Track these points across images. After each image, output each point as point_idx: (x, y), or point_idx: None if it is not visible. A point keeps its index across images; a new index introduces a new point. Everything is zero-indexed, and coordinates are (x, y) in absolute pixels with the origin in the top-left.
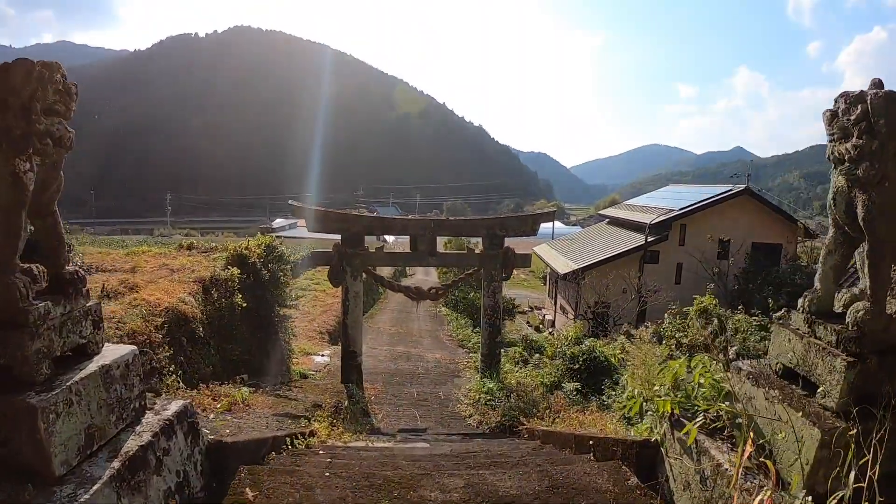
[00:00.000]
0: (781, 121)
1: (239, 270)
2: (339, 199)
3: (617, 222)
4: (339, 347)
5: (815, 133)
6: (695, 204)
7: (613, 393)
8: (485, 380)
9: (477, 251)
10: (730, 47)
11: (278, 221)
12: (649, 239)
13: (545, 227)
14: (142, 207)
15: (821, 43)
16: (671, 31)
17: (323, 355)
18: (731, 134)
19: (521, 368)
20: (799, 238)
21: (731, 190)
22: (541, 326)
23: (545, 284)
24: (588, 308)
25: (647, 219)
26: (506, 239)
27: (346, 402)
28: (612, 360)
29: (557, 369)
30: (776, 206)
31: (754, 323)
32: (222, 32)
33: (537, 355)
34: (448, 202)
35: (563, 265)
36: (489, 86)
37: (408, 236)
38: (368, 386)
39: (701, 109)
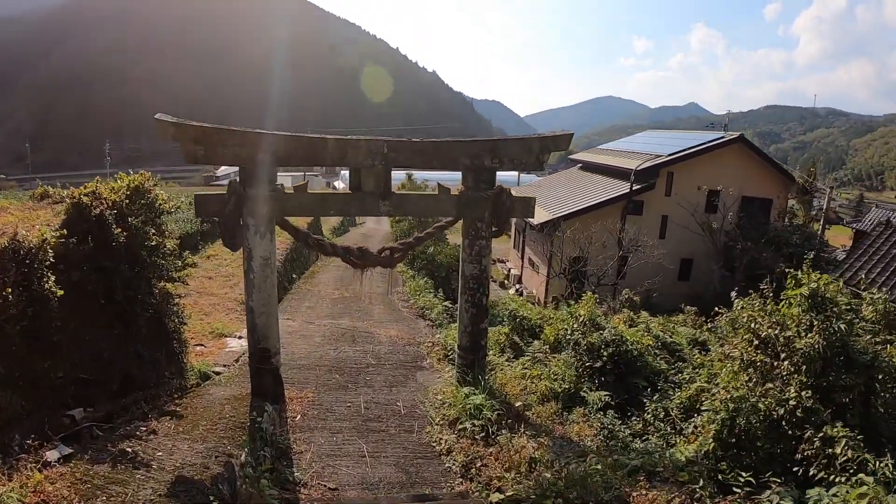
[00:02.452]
0: (736, 80)
1: (64, 232)
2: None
3: (592, 167)
4: None
5: (768, 93)
6: (687, 149)
7: (658, 409)
8: (466, 388)
9: (454, 192)
10: (688, 3)
11: (223, 169)
12: (635, 187)
13: (505, 175)
14: (82, 160)
15: (780, 4)
16: None
17: (241, 336)
18: (685, 90)
19: (509, 360)
20: (791, 194)
21: (723, 137)
22: (506, 282)
23: (509, 235)
24: (565, 265)
25: (632, 164)
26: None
27: (244, 453)
28: (641, 348)
29: (570, 367)
30: (770, 157)
31: None
32: None
33: (536, 342)
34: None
35: (536, 214)
36: (444, 31)
37: (346, 169)
38: (295, 394)
39: (656, 63)
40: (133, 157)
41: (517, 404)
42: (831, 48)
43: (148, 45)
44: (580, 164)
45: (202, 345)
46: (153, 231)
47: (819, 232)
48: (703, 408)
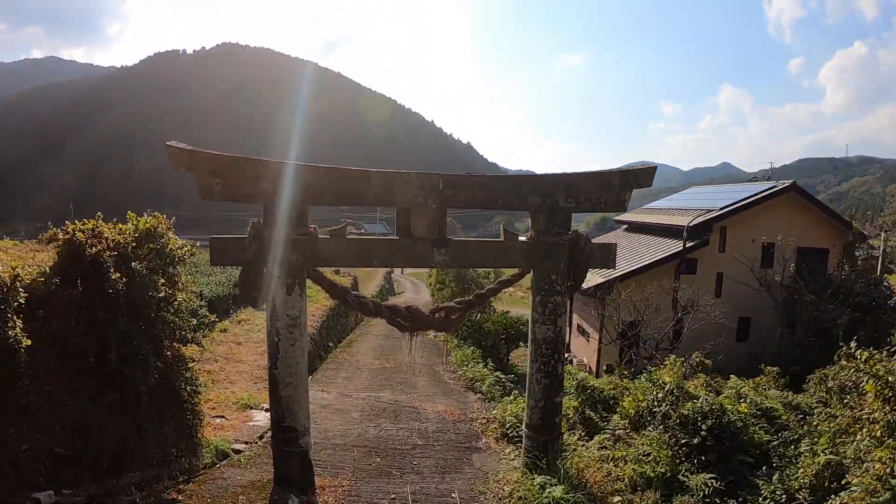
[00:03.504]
0: (765, 136)
1: (46, 270)
2: (321, 215)
3: (639, 228)
4: None
5: (798, 147)
6: (739, 202)
7: (778, 491)
8: (540, 477)
9: (523, 238)
10: (713, 66)
11: None
12: (688, 244)
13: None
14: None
15: (802, 59)
16: (653, 51)
17: (268, 409)
18: (716, 150)
19: (582, 439)
20: (847, 242)
21: (774, 186)
22: None
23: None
24: (621, 329)
25: (683, 221)
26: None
27: None
28: (743, 419)
29: (663, 447)
30: (825, 205)
31: None
32: (210, 49)
33: (614, 417)
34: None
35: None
36: (478, 105)
37: (394, 211)
38: (328, 482)
39: (686, 126)
40: (175, 224)
41: (615, 501)
42: (857, 96)
43: (192, 113)
44: (625, 226)
45: (223, 417)
46: (162, 281)
47: (880, 278)
48: (850, 485)
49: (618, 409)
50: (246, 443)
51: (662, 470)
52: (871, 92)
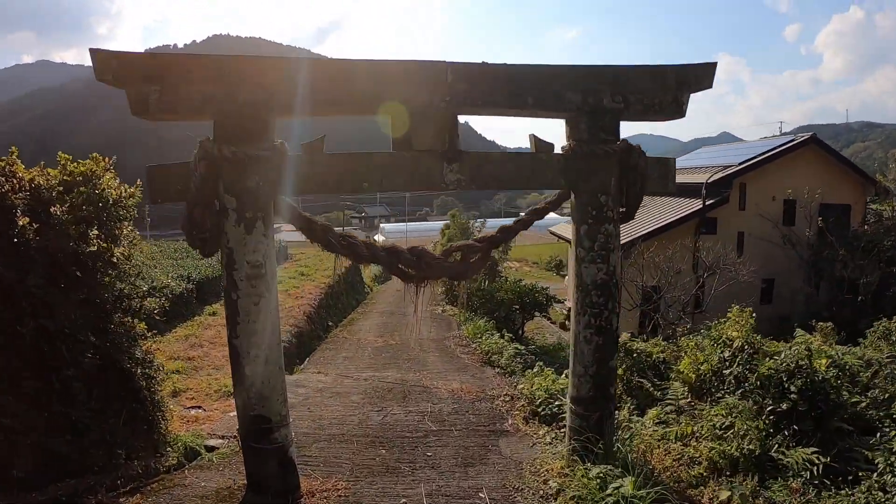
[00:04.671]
0: (764, 104)
1: None
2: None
3: None
4: (288, 377)
5: (798, 114)
6: (758, 156)
7: None
8: (598, 467)
9: (559, 150)
10: (709, 35)
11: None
12: (707, 202)
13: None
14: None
15: (798, 25)
16: (648, 23)
17: None
18: (715, 120)
19: (632, 414)
20: (869, 198)
21: (793, 140)
22: (566, 323)
23: (557, 273)
24: (641, 293)
25: (702, 178)
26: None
27: None
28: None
29: (746, 417)
30: (846, 159)
31: None
32: (201, 42)
33: (674, 384)
34: (438, 199)
35: None
36: None
37: (388, 119)
38: (319, 484)
39: None
40: (174, 217)
41: (701, 493)
42: (856, 61)
43: None
44: None
45: (200, 407)
46: (95, 233)
47: None
48: None
49: (671, 375)
50: (222, 437)
51: (752, 447)
52: (870, 56)
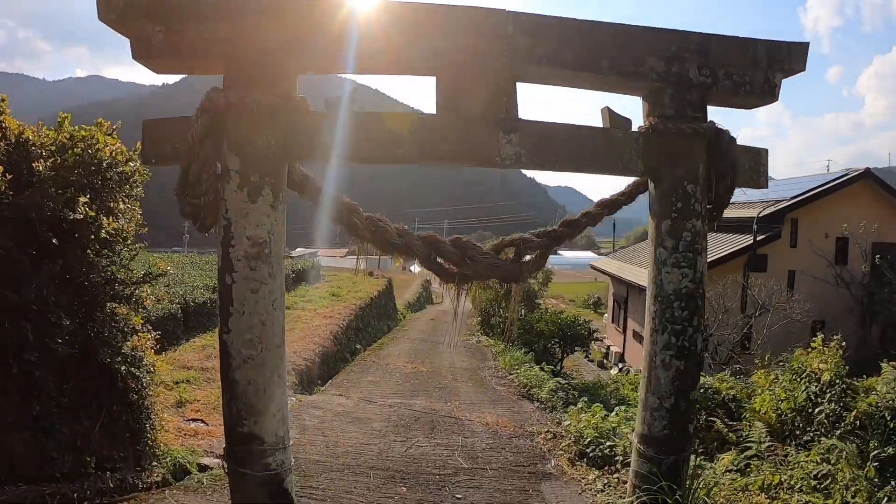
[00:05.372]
0: (805, 148)
1: None
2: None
3: None
4: (307, 398)
5: (839, 157)
6: (811, 190)
7: None
8: None
9: (637, 128)
10: None
11: (298, 250)
12: (758, 237)
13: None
14: (166, 238)
15: (840, 68)
16: None
17: None
18: None
19: (705, 459)
20: None
21: (846, 174)
22: (605, 362)
23: (595, 311)
24: None
25: (751, 213)
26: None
27: None
28: None
29: (850, 463)
30: None
31: None
32: None
33: (757, 426)
34: (476, 232)
35: (643, 276)
36: None
37: (433, 77)
38: None
39: None
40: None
41: None
42: None
43: None
44: None
45: (202, 421)
46: (85, 199)
47: None
48: None
49: (745, 415)
50: (219, 457)
51: (858, 500)
52: None
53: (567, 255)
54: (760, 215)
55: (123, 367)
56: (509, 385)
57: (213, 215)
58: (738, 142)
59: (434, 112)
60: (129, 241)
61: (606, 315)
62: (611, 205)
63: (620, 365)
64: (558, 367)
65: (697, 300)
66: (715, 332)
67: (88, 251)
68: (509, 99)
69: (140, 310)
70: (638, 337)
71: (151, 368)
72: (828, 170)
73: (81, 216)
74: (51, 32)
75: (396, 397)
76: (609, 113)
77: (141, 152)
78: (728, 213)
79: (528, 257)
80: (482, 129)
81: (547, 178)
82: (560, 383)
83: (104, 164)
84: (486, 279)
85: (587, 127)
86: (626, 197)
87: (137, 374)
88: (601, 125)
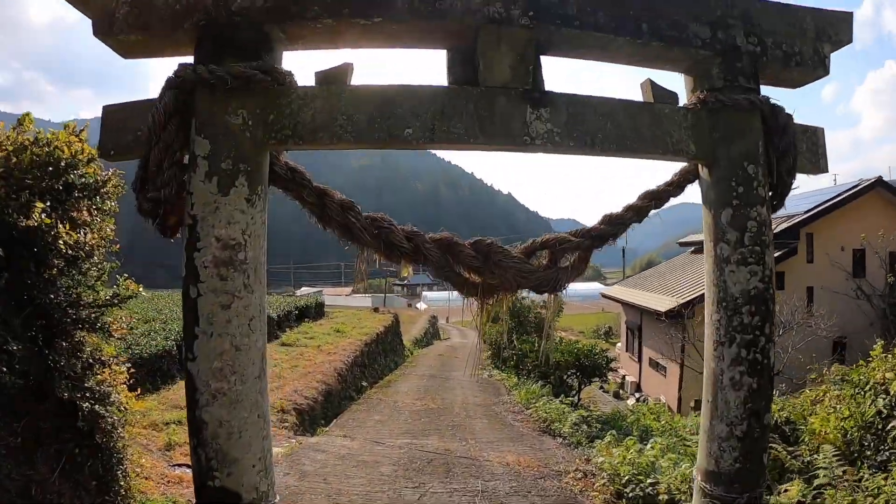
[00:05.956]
0: None
1: None
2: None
3: None
4: (307, 440)
5: (840, 175)
6: (825, 203)
7: None
8: None
9: (684, 106)
10: None
11: (303, 290)
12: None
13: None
14: (170, 277)
15: (834, 85)
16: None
17: None
18: None
19: (767, 493)
20: None
21: (858, 185)
22: (621, 392)
23: (606, 340)
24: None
25: None
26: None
27: None
28: None
29: None
30: None
31: None
32: None
33: (825, 451)
34: None
35: (658, 301)
36: (517, 157)
37: (444, 51)
38: None
39: None
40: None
41: None
42: (895, 117)
43: None
44: (693, 248)
45: (189, 465)
46: (41, 206)
47: None
48: None
49: (803, 437)
50: None
51: None
52: None
53: (573, 286)
54: (775, 231)
55: (87, 404)
56: (527, 420)
57: (178, 214)
58: None
59: (448, 84)
60: (94, 259)
61: (619, 344)
62: (658, 196)
63: (637, 395)
64: (576, 400)
65: (769, 303)
66: None
67: (45, 267)
68: (535, 67)
69: (108, 339)
70: (654, 364)
71: (123, 407)
72: (835, 183)
73: (36, 224)
74: (56, 74)
75: (406, 437)
76: (651, 86)
77: (99, 143)
78: None
79: (564, 263)
80: (506, 102)
81: (550, 210)
82: (583, 416)
83: (62, 164)
84: (516, 289)
85: (628, 101)
86: (674, 187)
87: (103, 412)
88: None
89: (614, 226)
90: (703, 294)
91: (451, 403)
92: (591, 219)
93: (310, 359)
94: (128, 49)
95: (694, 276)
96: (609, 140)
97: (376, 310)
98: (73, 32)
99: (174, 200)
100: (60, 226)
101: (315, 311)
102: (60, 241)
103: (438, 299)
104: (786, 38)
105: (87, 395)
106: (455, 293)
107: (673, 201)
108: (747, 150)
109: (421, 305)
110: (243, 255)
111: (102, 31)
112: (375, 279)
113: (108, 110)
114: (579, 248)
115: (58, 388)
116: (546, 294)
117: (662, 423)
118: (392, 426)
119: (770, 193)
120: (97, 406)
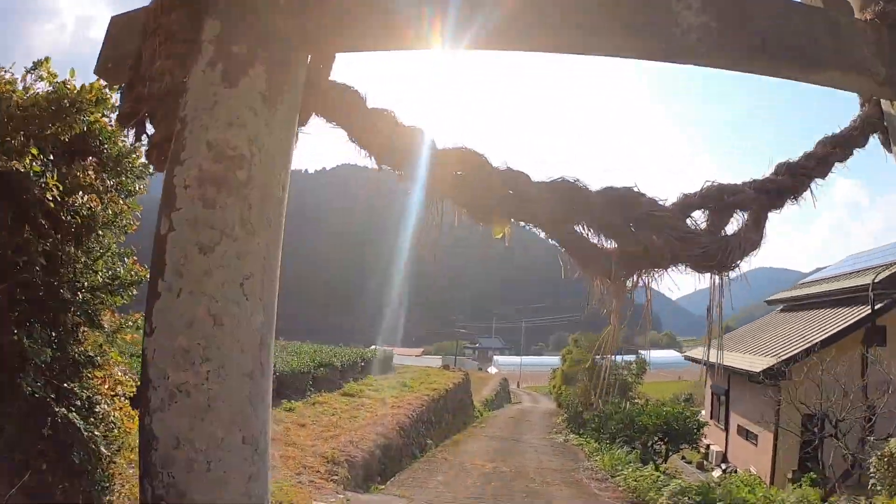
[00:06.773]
0: (886, 227)
1: None
2: (435, 327)
3: (799, 304)
4: (358, 497)
5: None
6: None
7: None
8: None
9: None
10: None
11: (373, 347)
12: (876, 306)
13: (658, 355)
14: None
15: None
16: (755, 151)
17: None
18: (835, 247)
19: None
20: None
21: None
22: (705, 463)
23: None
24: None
25: (863, 280)
26: None
27: None
28: None
29: None
30: None
31: None
32: (331, 169)
33: None
34: (553, 335)
35: (750, 362)
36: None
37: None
38: None
39: (797, 228)
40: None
41: None
42: None
43: (307, 227)
44: (782, 306)
45: None
46: (53, 181)
47: None
48: None
49: None
50: None
51: None
52: None
53: (648, 354)
54: (876, 280)
55: (61, 409)
56: (614, 489)
57: (167, 121)
58: (810, 227)
59: None
60: (98, 232)
61: (703, 411)
62: (840, 142)
63: (724, 465)
64: (662, 468)
65: None
66: (837, 420)
67: (26, 222)
68: None
69: (100, 330)
70: (743, 432)
71: (116, 425)
72: None
73: (23, 169)
74: None
75: (473, 501)
76: None
77: (99, 55)
78: (835, 284)
79: (731, 228)
80: None
81: None
82: (682, 486)
83: (65, 104)
84: (669, 263)
85: (800, 4)
86: (858, 132)
87: (81, 424)
88: None
89: (796, 177)
90: (802, 351)
91: (524, 467)
92: (661, 284)
93: (371, 410)
94: None
95: (789, 334)
96: (783, 46)
97: (446, 367)
98: None
99: (161, 103)
100: (49, 176)
101: (383, 365)
102: (49, 197)
103: (510, 364)
104: None
105: (64, 397)
106: (527, 358)
107: (765, 262)
108: None
109: (492, 369)
110: (245, 175)
111: None
112: (446, 342)
113: (115, 21)
114: (756, 204)
115: (25, 381)
116: (711, 275)
117: (759, 496)
118: (457, 489)
119: None
120: (74, 414)
